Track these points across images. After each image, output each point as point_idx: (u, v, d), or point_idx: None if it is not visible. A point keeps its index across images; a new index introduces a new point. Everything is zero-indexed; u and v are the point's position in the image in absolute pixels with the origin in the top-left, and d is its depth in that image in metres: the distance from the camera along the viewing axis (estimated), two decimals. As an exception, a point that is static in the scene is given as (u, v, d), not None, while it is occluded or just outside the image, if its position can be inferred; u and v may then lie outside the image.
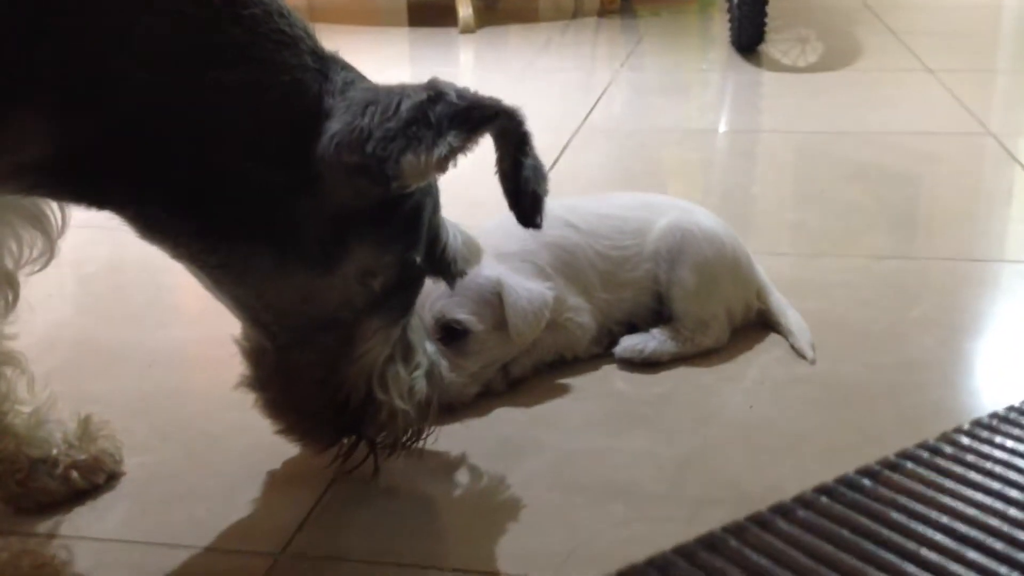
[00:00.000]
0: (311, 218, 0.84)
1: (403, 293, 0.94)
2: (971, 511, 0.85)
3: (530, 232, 1.21)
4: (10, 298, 0.95)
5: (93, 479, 1.02)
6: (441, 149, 0.79)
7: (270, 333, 0.92)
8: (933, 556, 0.80)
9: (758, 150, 2.26)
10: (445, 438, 1.08)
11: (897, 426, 1.09)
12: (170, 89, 0.78)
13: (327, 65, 0.84)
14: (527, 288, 1.18)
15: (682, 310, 1.26)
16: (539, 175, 0.86)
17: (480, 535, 0.95)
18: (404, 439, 0.99)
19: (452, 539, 0.98)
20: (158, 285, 1.51)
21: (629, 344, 1.24)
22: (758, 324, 1.32)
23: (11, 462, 0.98)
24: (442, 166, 0.81)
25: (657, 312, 1.29)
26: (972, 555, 0.80)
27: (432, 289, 1.10)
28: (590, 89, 2.70)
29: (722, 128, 2.44)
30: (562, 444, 1.09)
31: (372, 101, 0.81)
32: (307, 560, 0.92)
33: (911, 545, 0.81)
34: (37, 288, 0.99)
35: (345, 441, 0.99)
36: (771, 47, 3.07)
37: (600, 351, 1.26)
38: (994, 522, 0.83)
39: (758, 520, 0.85)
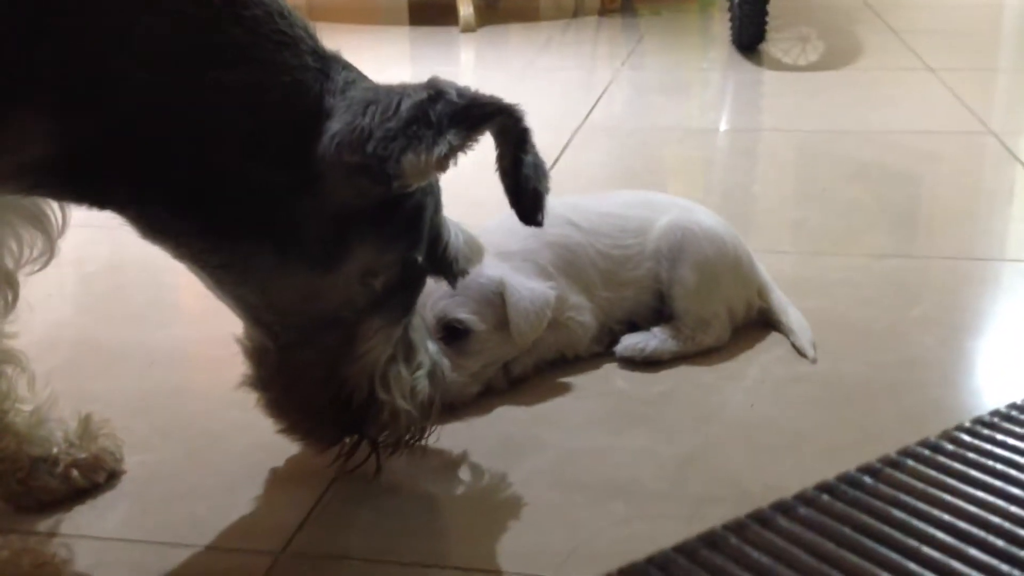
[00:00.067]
0: (312, 218, 0.84)
1: (405, 292, 0.94)
2: (972, 508, 0.85)
3: (531, 231, 1.21)
4: (10, 298, 0.95)
5: (94, 478, 1.02)
6: (441, 148, 0.79)
7: (272, 332, 0.92)
8: (934, 553, 0.80)
9: (759, 149, 2.26)
10: (446, 436, 1.08)
11: (898, 424, 1.09)
12: (170, 89, 0.78)
13: (328, 65, 0.84)
14: (529, 288, 1.18)
15: (683, 309, 1.26)
16: (540, 173, 0.86)
17: (481, 533, 0.95)
18: (406, 438, 0.98)
19: (453, 538, 0.98)
20: (158, 284, 1.51)
21: (630, 343, 1.24)
22: (759, 323, 1.32)
23: (12, 461, 0.98)
24: (442, 165, 0.81)
25: (658, 311, 1.29)
26: (973, 552, 0.80)
27: (434, 288, 1.10)
28: (591, 88, 2.70)
29: (723, 127, 2.43)
30: (563, 443, 1.09)
31: (373, 100, 0.81)
32: (308, 559, 0.92)
33: (912, 542, 0.81)
34: (37, 287, 0.99)
35: (347, 440, 0.99)
36: (772, 46, 3.07)
37: (601, 350, 1.26)
38: (995, 519, 0.83)
39: (759, 518, 0.85)
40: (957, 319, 1.36)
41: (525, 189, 0.86)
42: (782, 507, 0.87)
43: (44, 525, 0.97)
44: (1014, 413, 1.02)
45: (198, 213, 0.82)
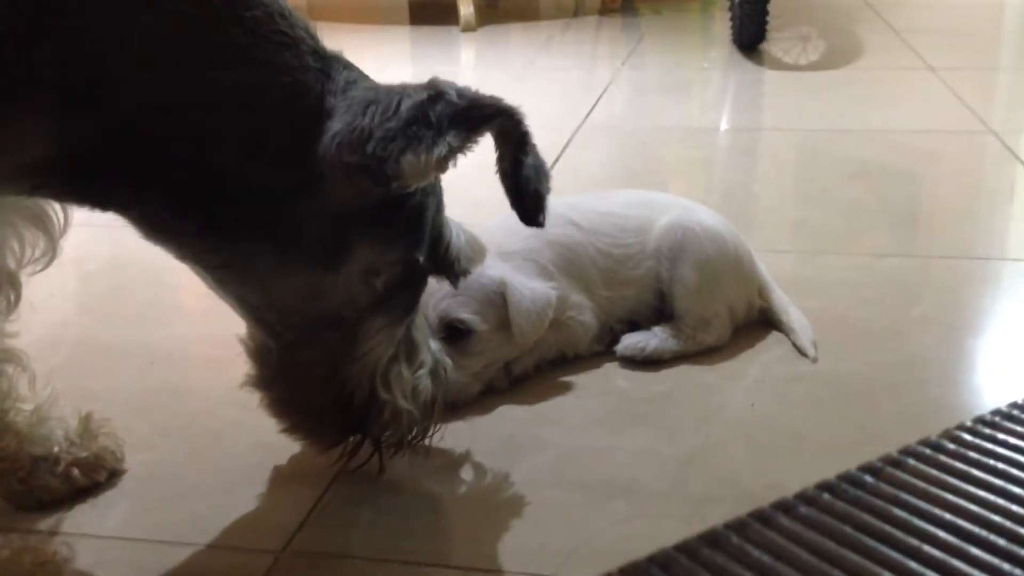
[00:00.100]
0: (313, 218, 0.84)
1: (407, 292, 0.94)
2: (974, 508, 0.85)
3: (532, 230, 1.22)
4: (12, 298, 0.95)
5: (94, 477, 1.02)
6: (441, 149, 0.79)
7: (274, 332, 0.92)
8: (936, 552, 0.79)
9: (759, 148, 2.26)
10: (448, 436, 1.08)
11: (899, 423, 1.09)
12: (170, 89, 0.78)
13: (329, 65, 0.84)
14: (531, 288, 1.18)
15: (684, 308, 1.26)
16: (540, 173, 0.86)
17: (482, 533, 0.95)
18: (409, 438, 0.98)
19: (454, 537, 0.98)
20: (159, 284, 1.51)
21: (631, 342, 1.24)
22: (760, 322, 1.32)
23: (13, 460, 0.98)
24: (442, 166, 0.81)
25: (659, 310, 1.29)
26: (975, 551, 0.79)
27: (436, 288, 1.10)
28: (591, 87, 2.70)
29: (723, 126, 2.43)
30: (564, 442, 1.09)
31: (373, 101, 0.81)
32: (309, 558, 0.92)
33: (914, 541, 0.81)
34: (39, 287, 0.99)
35: (350, 440, 0.98)
36: (772, 45, 3.07)
37: (602, 349, 1.26)
38: (997, 518, 0.83)
39: (760, 516, 0.85)
40: (958, 318, 1.36)
41: (526, 190, 0.86)
42: (783, 506, 0.87)
43: (45, 524, 0.97)
44: (1015, 412, 1.02)
45: (199, 213, 0.82)
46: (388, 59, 3.05)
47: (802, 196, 1.90)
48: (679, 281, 1.26)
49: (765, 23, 2.94)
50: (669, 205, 1.33)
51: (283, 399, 0.96)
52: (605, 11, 3.86)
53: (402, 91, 0.82)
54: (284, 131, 0.82)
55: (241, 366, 0.98)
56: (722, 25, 3.30)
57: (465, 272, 0.99)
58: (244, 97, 0.80)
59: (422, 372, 0.96)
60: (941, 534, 0.82)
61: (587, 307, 1.25)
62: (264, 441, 1.05)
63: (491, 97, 0.83)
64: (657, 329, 1.26)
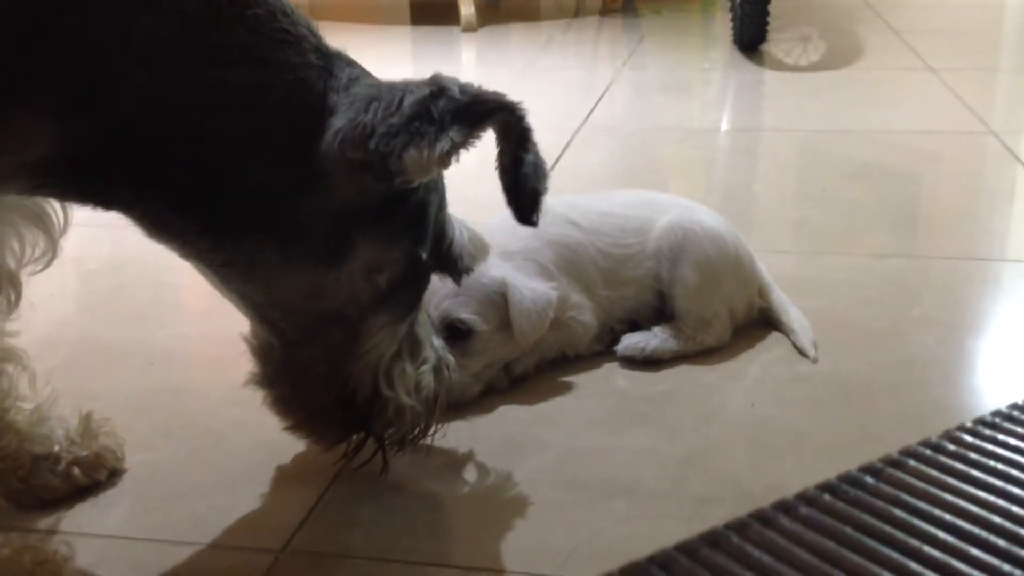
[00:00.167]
0: (316, 215, 0.84)
1: (410, 289, 0.94)
2: (974, 508, 0.85)
3: (533, 230, 1.22)
4: (12, 297, 0.95)
5: (95, 476, 1.02)
6: (443, 144, 0.79)
7: (277, 330, 0.92)
8: (936, 553, 0.79)
9: (760, 148, 2.26)
10: (449, 435, 1.07)
11: (899, 424, 1.09)
12: (172, 89, 0.78)
13: (331, 62, 0.84)
14: (531, 288, 1.18)
15: (684, 308, 1.26)
16: (539, 172, 0.86)
17: (482, 532, 0.95)
18: (412, 436, 0.98)
19: (455, 536, 0.98)
20: (160, 283, 1.51)
21: (631, 342, 1.24)
22: (760, 322, 1.32)
23: (13, 459, 0.98)
24: (444, 161, 0.81)
25: (659, 310, 1.29)
26: (975, 552, 0.80)
27: (437, 288, 1.10)
28: (592, 87, 2.70)
29: (724, 127, 2.43)
30: (564, 442, 1.09)
31: (375, 97, 0.81)
32: (309, 557, 0.92)
33: (914, 542, 0.81)
34: (40, 287, 0.99)
35: (353, 438, 0.98)
36: (773, 46, 3.07)
37: (602, 349, 1.26)
38: (997, 519, 0.83)
39: (760, 517, 0.85)
40: (958, 319, 1.36)
41: (524, 188, 0.86)
42: (783, 506, 0.87)
43: (45, 523, 0.97)
44: (1015, 413, 1.02)
45: (201, 212, 0.82)
46: (389, 59, 3.05)
47: (802, 196, 1.90)
48: (679, 281, 1.26)
49: (766, 24, 2.94)
50: (669, 205, 1.33)
51: (286, 397, 0.96)
52: (606, 11, 3.86)
53: (404, 87, 0.82)
54: (286, 129, 0.82)
55: (242, 365, 0.98)
56: (723, 25, 3.30)
57: (468, 269, 0.99)
58: (246, 95, 0.80)
59: (425, 369, 0.96)
60: (941, 535, 0.82)
61: (587, 307, 1.25)
62: (265, 440, 1.06)
63: (493, 93, 0.83)
64: (657, 329, 1.26)
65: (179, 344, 1.35)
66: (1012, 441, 0.96)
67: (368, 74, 0.87)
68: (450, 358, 1.01)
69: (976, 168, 2.05)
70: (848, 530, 0.83)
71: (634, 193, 1.40)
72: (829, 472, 0.94)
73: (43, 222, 0.93)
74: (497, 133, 0.84)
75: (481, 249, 1.00)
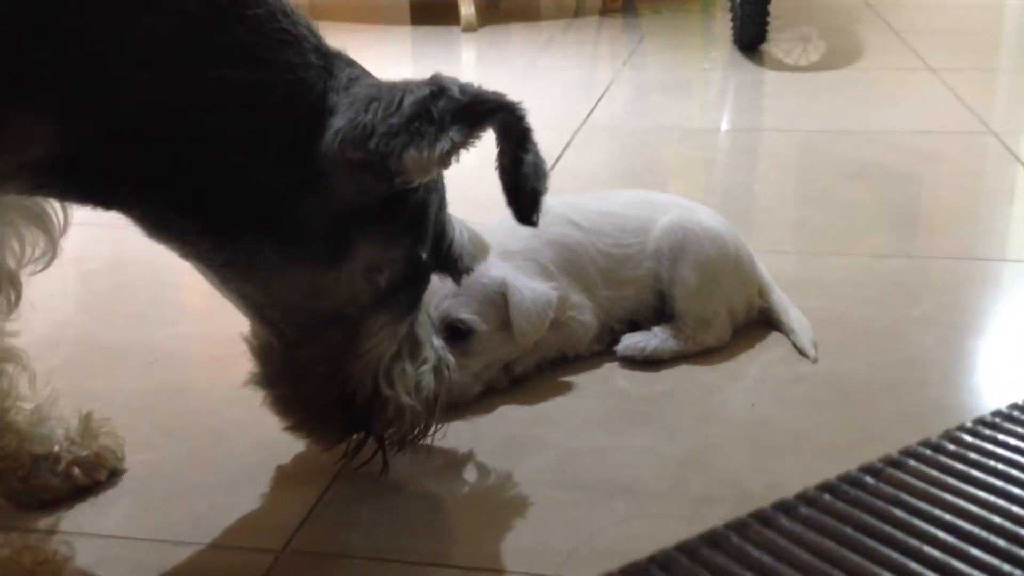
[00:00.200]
0: (316, 215, 0.84)
1: (410, 289, 0.94)
2: (974, 508, 0.85)
3: (533, 230, 1.22)
4: (12, 297, 0.95)
5: (95, 476, 1.02)
6: (443, 144, 0.79)
7: (277, 330, 0.92)
8: (936, 553, 0.79)
9: (760, 149, 2.26)
10: (449, 436, 1.07)
11: (899, 424, 1.09)
12: (172, 89, 0.78)
13: (331, 62, 0.84)
14: (531, 288, 1.18)
15: (684, 308, 1.26)
16: (539, 172, 0.86)
17: (482, 532, 0.95)
18: (412, 435, 0.98)
19: (455, 536, 0.98)
20: (160, 283, 1.51)
21: (631, 342, 1.24)
22: (760, 322, 1.32)
23: (13, 459, 0.98)
24: (444, 161, 0.81)
25: (659, 310, 1.29)
26: (975, 552, 0.80)
27: (437, 288, 1.10)
28: (592, 87, 2.70)
29: (724, 127, 2.43)
30: (564, 442, 1.09)
31: (375, 97, 0.81)
32: (309, 557, 0.92)
33: (914, 542, 0.81)
34: (40, 287, 0.99)
35: (353, 438, 0.98)
36: (773, 46, 3.07)
37: (602, 349, 1.26)
38: (997, 519, 0.83)
39: (760, 517, 0.85)
40: (958, 319, 1.36)
41: (523, 188, 0.85)
42: (783, 506, 0.87)
43: (45, 523, 0.97)
44: (1015, 413, 1.02)
45: (201, 212, 0.82)
46: (389, 59, 3.05)
47: (802, 196, 1.90)
48: (679, 281, 1.26)
49: (766, 24, 2.94)
50: (669, 205, 1.33)
51: (286, 397, 0.96)
52: (606, 11, 3.86)
53: (404, 87, 0.82)
54: (286, 129, 0.82)
55: (242, 365, 0.98)
56: (723, 26, 3.30)
57: (468, 269, 0.99)
58: (246, 95, 0.80)
59: (425, 368, 0.96)
60: (941, 535, 0.82)
61: (587, 307, 1.25)
62: (265, 440, 1.06)
63: (493, 93, 0.83)
64: (657, 329, 1.26)
65: (179, 344, 1.35)
66: (1012, 441, 0.96)
67: (368, 74, 0.87)
68: (450, 358, 1.01)
69: (976, 168, 2.05)
70: (848, 530, 0.83)
71: (634, 193, 1.40)
72: (829, 472, 0.94)
73: (43, 222, 0.93)
74: (497, 133, 0.84)
75: (481, 249, 1.00)
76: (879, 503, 0.87)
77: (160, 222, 0.84)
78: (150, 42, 0.77)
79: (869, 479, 0.90)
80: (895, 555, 0.80)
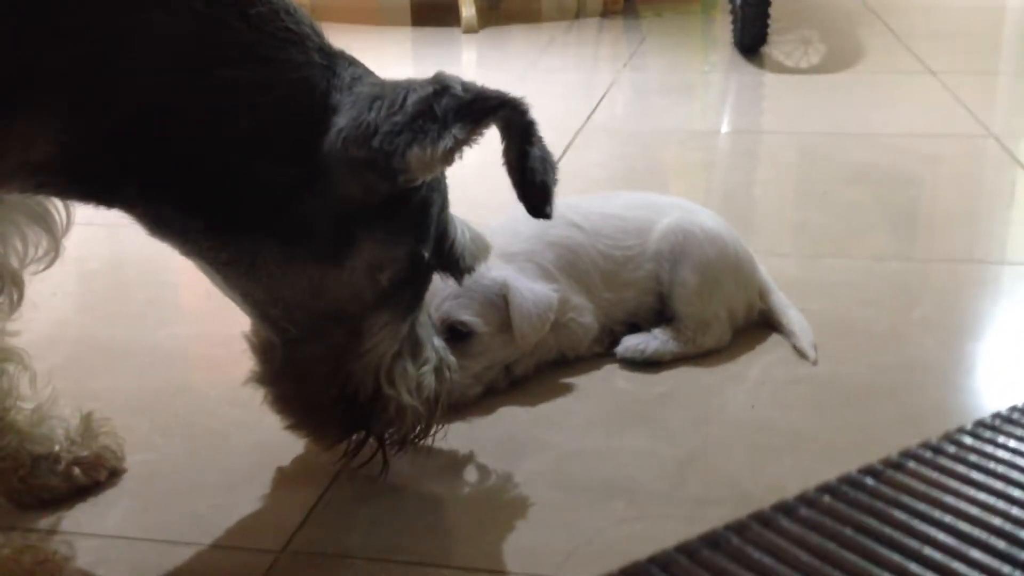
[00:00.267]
0: (319, 213, 0.84)
1: (411, 288, 0.94)
2: (974, 510, 0.85)
3: (533, 232, 1.22)
4: (15, 297, 0.95)
5: (95, 476, 1.02)
6: (446, 142, 0.79)
7: (279, 328, 0.92)
8: (936, 554, 0.79)
9: (760, 151, 2.26)
10: (449, 436, 1.07)
11: (899, 426, 1.09)
12: (175, 88, 0.79)
13: (334, 61, 0.84)
14: (532, 291, 1.18)
15: (684, 310, 1.26)
16: (547, 165, 0.86)
17: (482, 533, 0.95)
18: (412, 435, 0.98)
19: (454, 537, 0.98)
20: (160, 283, 1.51)
21: (631, 344, 1.25)
22: (760, 324, 1.32)
23: (13, 458, 0.98)
24: (448, 159, 0.81)
25: (659, 312, 1.29)
26: (975, 554, 0.79)
27: (438, 290, 1.10)
28: (593, 89, 2.70)
29: (724, 129, 2.44)
30: (564, 443, 1.09)
31: (378, 96, 0.82)
32: (309, 557, 0.92)
33: (914, 543, 0.81)
34: (42, 286, 0.99)
35: (353, 438, 0.98)
36: (774, 48, 3.07)
37: (602, 351, 1.26)
38: (997, 521, 0.83)
39: (760, 518, 0.85)
40: (958, 321, 1.36)
41: (532, 182, 0.86)
42: (783, 508, 0.87)
43: (45, 523, 0.97)
44: (1015, 415, 1.02)
45: (204, 210, 0.83)
46: (390, 60, 3.05)
47: (803, 199, 1.90)
48: (679, 283, 1.27)
49: (766, 26, 2.94)
50: (670, 207, 1.33)
51: (287, 395, 0.96)
52: (607, 13, 3.86)
53: (407, 86, 0.82)
54: (289, 127, 0.82)
55: (242, 365, 0.98)
56: (723, 28, 3.30)
57: (470, 269, 0.99)
58: (249, 94, 0.80)
59: (426, 368, 0.96)
60: (941, 536, 0.82)
61: (588, 309, 1.25)
62: (265, 440, 1.06)
63: (496, 90, 0.83)
64: (657, 331, 1.26)
65: (179, 344, 1.35)
66: (1012, 443, 0.96)
67: (371, 73, 0.87)
68: (451, 359, 1.01)
69: (976, 171, 2.05)
70: (848, 531, 0.83)
71: (635, 195, 1.40)
72: (829, 473, 0.94)
73: (46, 221, 0.93)
74: (501, 130, 0.84)
75: (483, 249, 1.00)
76: (879, 505, 0.86)
77: (162, 220, 0.84)
78: (153, 41, 0.77)
79: (869, 481, 0.90)
80: (895, 556, 0.80)
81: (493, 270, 1.15)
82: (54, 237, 0.94)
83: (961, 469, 0.91)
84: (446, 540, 0.96)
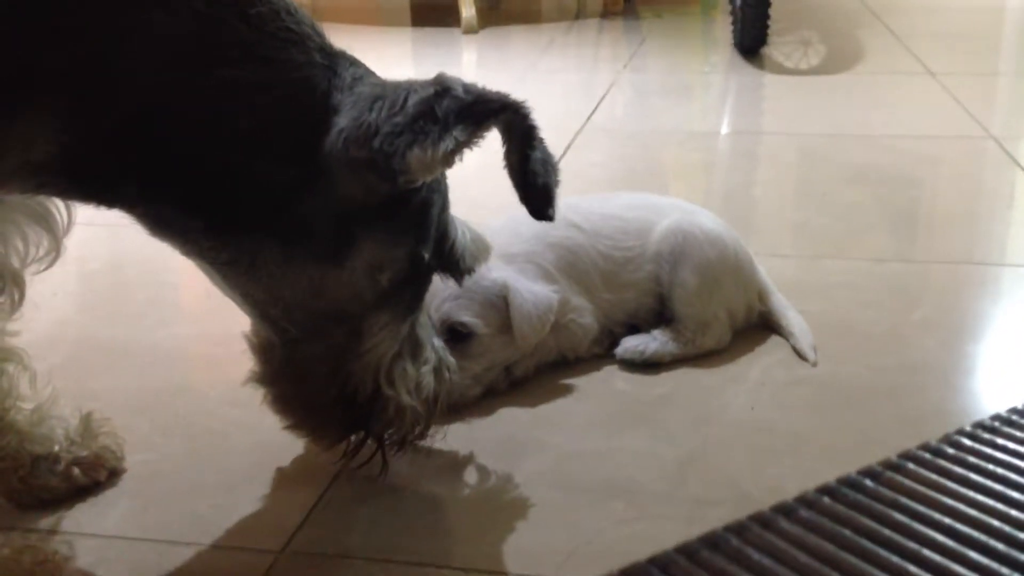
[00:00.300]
0: (319, 213, 0.84)
1: (411, 289, 0.94)
2: (973, 512, 0.85)
3: (535, 233, 1.22)
4: (16, 296, 0.95)
5: (95, 476, 1.02)
6: (447, 143, 0.80)
7: (279, 328, 0.92)
8: (935, 556, 0.80)
9: (760, 152, 2.26)
10: (449, 437, 1.08)
11: (898, 427, 1.09)
12: (176, 88, 0.79)
13: (335, 61, 0.84)
14: (532, 292, 1.18)
15: (684, 311, 1.26)
16: (548, 167, 0.86)
17: (482, 533, 0.95)
18: (411, 436, 0.98)
19: (454, 537, 0.98)
20: (160, 283, 1.51)
21: (631, 345, 1.25)
22: (759, 326, 1.32)
23: (13, 458, 0.98)
24: (448, 160, 0.81)
25: (659, 313, 1.29)
26: (973, 556, 0.80)
27: (438, 291, 1.10)
28: (593, 90, 2.70)
29: (724, 130, 2.44)
30: (564, 444, 1.09)
31: (379, 96, 0.82)
32: (309, 558, 0.92)
33: (913, 545, 0.81)
34: (43, 286, 0.99)
35: (353, 438, 0.98)
36: (774, 49, 3.07)
37: (602, 352, 1.27)
38: (995, 523, 0.83)
39: (760, 519, 0.85)
40: (958, 323, 1.36)
41: (534, 184, 0.86)
42: (783, 509, 0.87)
43: (45, 523, 0.97)
44: (1015, 417, 1.02)
45: (204, 210, 0.83)
46: (390, 60, 3.05)
47: (802, 200, 1.90)
48: (679, 284, 1.27)
49: (766, 27, 2.94)
50: (670, 208, 1.34)
51: (286, 396, 0.96)
52: (607, 14, 3.87)
53: (409, 87, 0.82)
54: (290, 127, 0.82)
55: (242, 365, 0.98)
56: (723, 29, 3.30)
57: (470, 270, 0.99)
58: (249, 94, 0.80)
59: (426, 369, 0.96)
60: (940, 538, 0.82)
61: (587, 310, 1.25)
62: (265, 441, 1.06)
63: (497, 92, 0.83)
64: (657, 332, 1.26)
65: (179, 344, 1.35)
66: (1011, 445, 0.96)
67: (372, 73, 0.87)
68: (451, 359, 1.01)
69: (975, 172, 2.06)
70: (847, 533, 0.83)
71: (635, 196, 1.41)
72: (828, 475, 0.94)
73: (47, 221, 0.93)
74: (502, 132, 0.84)
75: (483, 250, 1.00)
76: (878, 506, 0.87)
77: (163, 220, 0.84)
78: (153, 41, 0.77)
79: (868, 482, 0.90)
80: (894, 558, 0.80)
81: (493, 271, 1.15)
82: (55, 237, 0.94)
83: (960, 471, 0.91)
84: (446, 540, 0.96)
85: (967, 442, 0.97)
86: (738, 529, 0.84)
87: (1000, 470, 0.92)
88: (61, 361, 1.27)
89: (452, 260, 0.97)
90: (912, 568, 0.78)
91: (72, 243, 0.99)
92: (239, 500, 1.00)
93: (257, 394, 0.98)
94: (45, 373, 1.01)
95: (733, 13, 3.06)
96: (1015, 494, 0.88)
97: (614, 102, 2.59)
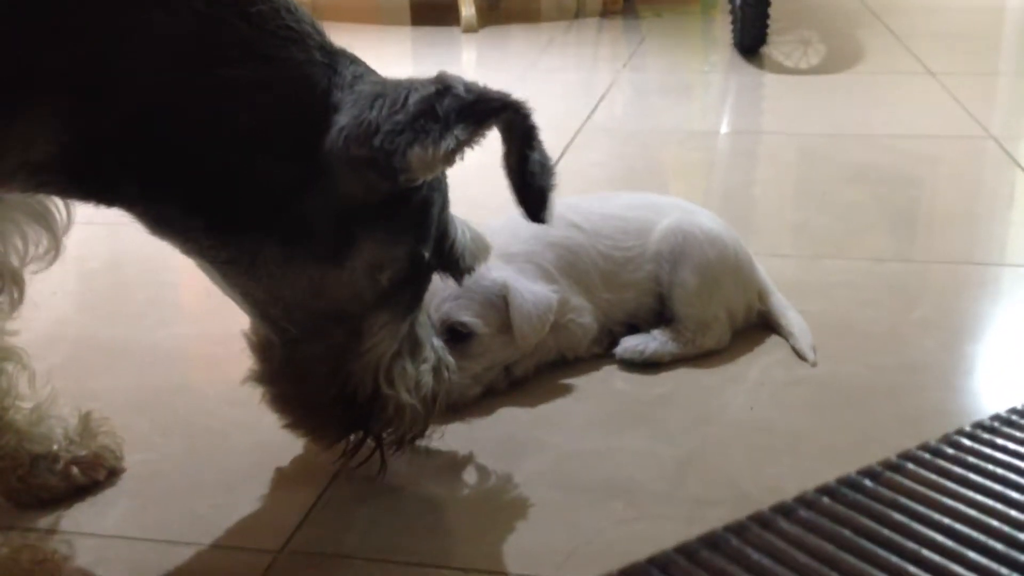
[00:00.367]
0: (319, 212, 0.84)
1: (411, 288, 0.94)
2: (972, 512, 0.85)
3: (534, 233, 1.22)
4: (15, 295, 0.95)
5: (94, 475, 1.02)
6: (448, 142, 0.79)
7: (278, 327, 0.92)
8: (934, 556, 0.80)
9: (760, 151, 2.26)
10: (448, 437, 1.08)
11: (898, 427, 1.09)
12: (176, 87, 0.79)
13: (336, 59, 0.84)
14: (532, 292, 1.18)
15: (683, 311, 1.26)
16: (546, 170, 0.86)
17: (482, 533, 0.95)
18: (410, 435, 0.98)
19: (453, 537, 0.98)
20: (159, 282, 1.51)
21: (630, 345, 1.25)
22: (759, 326, 1.32)
23: (12, 458, 0.98)
24: (449, 159, 0.81)
25: (659, 313, 1.29)
26: (973, 556, 0.80)
27: (438, 290, 1.10)
28: (592, 89, 2.70)
29: (724, 129, 2.44)
30: (564, 443, 1.09)
31: (380, 95, 0.82)
32: (308, 557, 0.92)
33: (912, 545, 0.81)
34: (41, 285, 0.99)
35: (352, 437, 0.98)
36: (773, 49, 3.07)
37: (601, 351, 1.26)
38: (995, 523, 0.83)
39: (759, 519, 0.85)
40: (957, 323, 1.36)
41: (531, 186, 0.85)
42: (782, 509, 0.87)
43: (44, 522, 0.97)
44: (1014, 418, 1.02)
45: (204, 209, 0.82)
46: (389, 59, 3.05)
47: (802, 200, 1.90)
48: (679, 284, 1.27)
49: (766, 26, 2.94)
50: (669, 208, 1.33)
51: (286, 395, 0.96)
52: (606, 13, 3.87)
53: (409, 85, 0.82)
54: (290, 126, 0.82)
55: (242, 365, 0.98)
56: (723, 28, 3.31)
57: (470, 269, 0.99)
58: (249, 92, 0.80)
59: (425, 368, 0.96)
60: (939, 538, 0.82)
61: (587, 309, 1.25)
62: (264, 440, 1.06)
63: (498, 91, 0.83)
64: (656, 332, 1.26)
65: (179, 343, 1.35)
66: (1011, 446, 0.96)
67: (372, 72, 0.87)
68: (450, 359, 1.01)
69: (975, 172, 2.06)
70: (846, 533, 0.83)
71: (635, 195, 1.41)
72: (828, 475, 0.94)
73: (46, 220, 0.93)
74: (502, 132, 0.84)
75: (483, 249, 1.00)
76: (877, 506, 0.87)
77: (163, 219, 0.84)
78: (153, 41, 0.77)
79: (868, 482, 0.90)
80: (893, 558, 0.80)
81: (493, 271, 1.15)
82: (55, 236, 0.94)
83: (960, 471, 0.91)
84: (446, 540, 0.96)
85: (966, 442, 0.97)
86: (738, 529, 0.84)
87: (999, 470, 0.92)
88: (60, 360, 1.27)
89: (452, 259, 0.96)
90: (911, 568, 0.78)
91: (72, 242, 0.99)
92: (238, 500, 1.00)
93: (256, 393, 0.98)
94: (44, 372, 1.01)
95: (733, 12, 3.06)
96: (1014, 494, 0.88)
97: (614, 101, 2.59)
